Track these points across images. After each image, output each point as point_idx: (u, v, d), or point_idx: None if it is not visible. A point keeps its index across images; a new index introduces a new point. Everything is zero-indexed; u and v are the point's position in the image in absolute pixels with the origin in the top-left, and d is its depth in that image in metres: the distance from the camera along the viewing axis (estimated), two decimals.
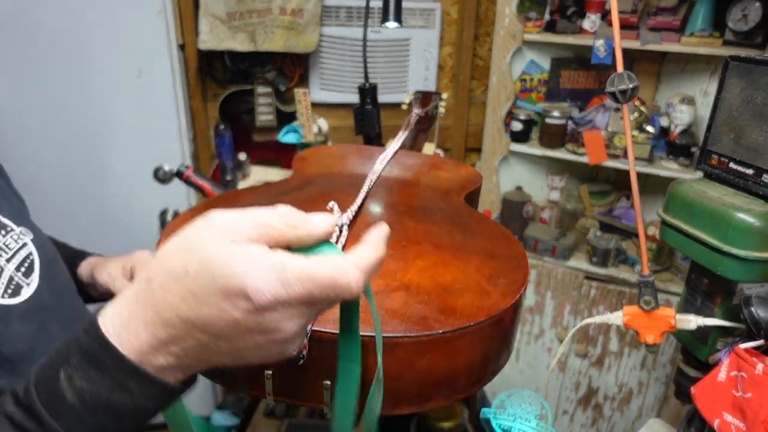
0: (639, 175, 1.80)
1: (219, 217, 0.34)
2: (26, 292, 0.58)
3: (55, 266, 0.67)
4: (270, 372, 0.46)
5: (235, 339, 0.33)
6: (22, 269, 0.60)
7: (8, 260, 0.59)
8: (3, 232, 0.60)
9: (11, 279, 0.58)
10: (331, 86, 1.92)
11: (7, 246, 0.60)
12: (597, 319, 0.84)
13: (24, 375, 0.53)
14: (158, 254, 0.34)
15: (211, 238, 0.32)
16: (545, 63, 1.96)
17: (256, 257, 0.32)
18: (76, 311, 0.68)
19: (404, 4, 1.41)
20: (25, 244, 0.62)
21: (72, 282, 0.71)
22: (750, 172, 0.77)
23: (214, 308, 0.32)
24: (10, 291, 0.57)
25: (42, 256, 0.64)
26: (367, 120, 1.16)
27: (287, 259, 0.32)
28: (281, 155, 1.95)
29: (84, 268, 0.82)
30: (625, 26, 1.71)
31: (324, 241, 0.36)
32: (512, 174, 2.08)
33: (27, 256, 0.62)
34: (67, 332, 0.63)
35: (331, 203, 0.61)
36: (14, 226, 0.63)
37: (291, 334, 0.34)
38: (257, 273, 0.31)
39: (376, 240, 0.36)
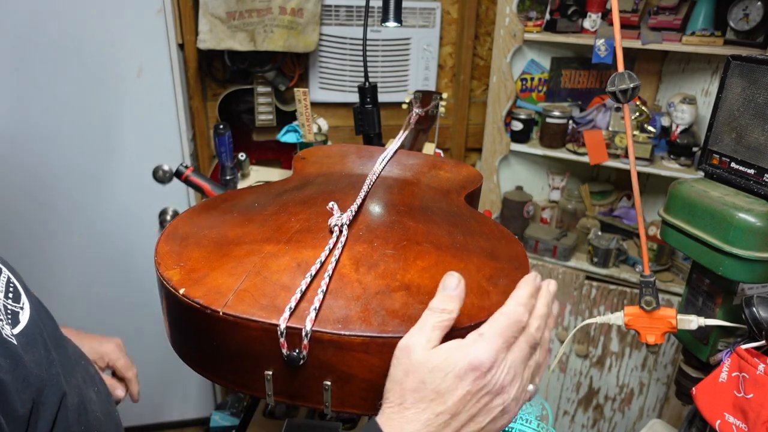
0: (640, 174, 1.80)
1: (411, 342, 0.43)
2: (23, 318, 0.57)
3: (27, 286, 0.64)
4: (270, 372, 0.46)
5: (472, 409, 0.43)
6: (10, 296, 0.58)
7: None
8: None
9: (5, 308, 0.55)
10: (331, 86, 1.92)
11: None
12: (598, 320, 0.84)
13: (49, 399, 0.54)
14: (390, 388, 0.43)
15: (421, 357, 0.42)
16: (546, 62, 1.96)
17: (456, 344, 0.43)
18: (56, 330, 0.66)
19: (404, 4, 1.40)
20: (0, 269, 0.59)
21: (42, 303, 0.67)
22: (751, 171, 0.76)
23: (454, 392, 0.42)
24: (10, 320, 0.55)
25: (17, 278, 0.61)
26: (367, 120, 1.15)
27: (477, 331, 0.44)
28: (281, 155, 1.95)
29: None
30: (625, 25, 1.71)
31: None
32: (513, 174, 2.07)
33: (8, 281, 0.59)
34: (59, 352, 0.61)
35: (331, 203, 0.61)
36: None
37: (508, 388, 0.43)
38: (467, 351, 0.42)
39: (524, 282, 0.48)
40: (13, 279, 0.60)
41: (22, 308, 0.57)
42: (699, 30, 1.63)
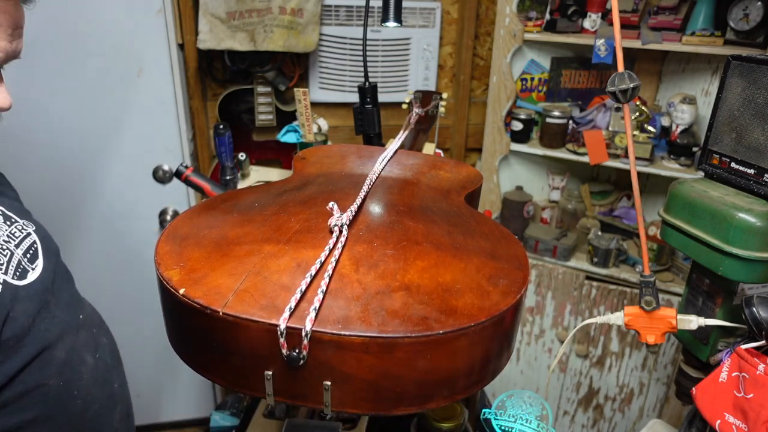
0: (640, 174, 1.80)
1: None
2: (32, 276, 0.66)
3: (56, 255, 0.73)
4: (270, 372, 0.46)
5: None
6: (28, 255, 0.67)
7: (16, 246, 0.66)
8: (8, 223, 0.68)
9: (19, 263, 0.64)
10: (331, 86, 1.92)
11: (14, 234, 0.67)
12: (598, 320, 0.84)
13: (26, 348, 0.61)
14: None
15: None
16: (546, 62, 1.96)
17: None
18: (74, 296, 0.75)
19: (404, 4, 1.41)
20: (29, 234, 0.69)
21: (69, 271, 0.77)
22: (751, 171, 0.76)
23: None
24: (18, 273, 0.63)
25: (44, 245, 0.71)
26: (367, 120, 1.15)
27: None
28: (281, 155, 1.95)
29: None
30: (625, 25, 1.71)
31: None
32: (512, 174, 2.07)
33: (32, 244, 0.69)
34: (67, 313, 0.71)
35: (331, 203, 0.61)
36: (18, 219, 0.70)
37: None
38: None
39: None
40: (38, 243, 0.70)
41: (34, 268, 0.67)
42: (699, 30, 1.63)
